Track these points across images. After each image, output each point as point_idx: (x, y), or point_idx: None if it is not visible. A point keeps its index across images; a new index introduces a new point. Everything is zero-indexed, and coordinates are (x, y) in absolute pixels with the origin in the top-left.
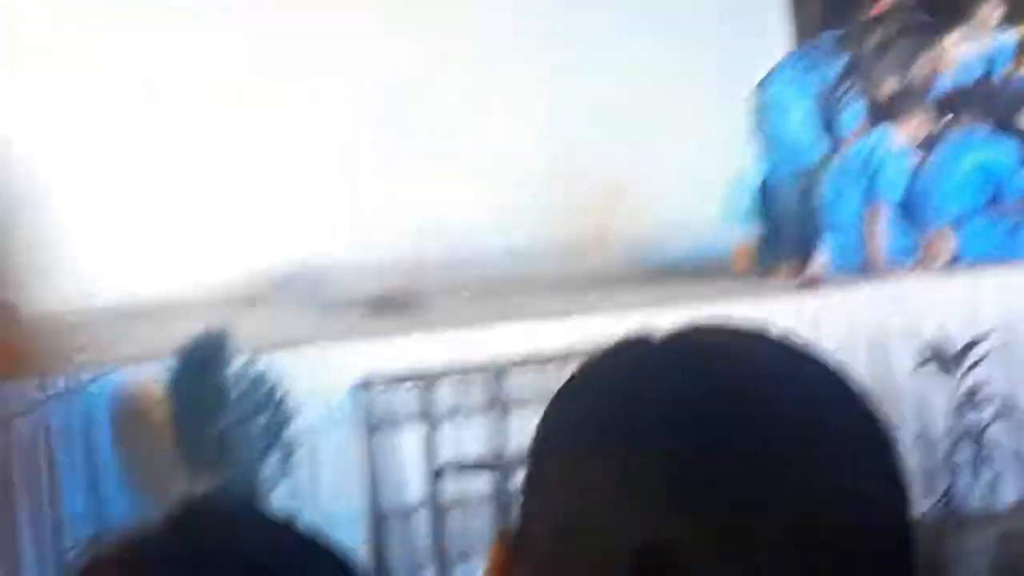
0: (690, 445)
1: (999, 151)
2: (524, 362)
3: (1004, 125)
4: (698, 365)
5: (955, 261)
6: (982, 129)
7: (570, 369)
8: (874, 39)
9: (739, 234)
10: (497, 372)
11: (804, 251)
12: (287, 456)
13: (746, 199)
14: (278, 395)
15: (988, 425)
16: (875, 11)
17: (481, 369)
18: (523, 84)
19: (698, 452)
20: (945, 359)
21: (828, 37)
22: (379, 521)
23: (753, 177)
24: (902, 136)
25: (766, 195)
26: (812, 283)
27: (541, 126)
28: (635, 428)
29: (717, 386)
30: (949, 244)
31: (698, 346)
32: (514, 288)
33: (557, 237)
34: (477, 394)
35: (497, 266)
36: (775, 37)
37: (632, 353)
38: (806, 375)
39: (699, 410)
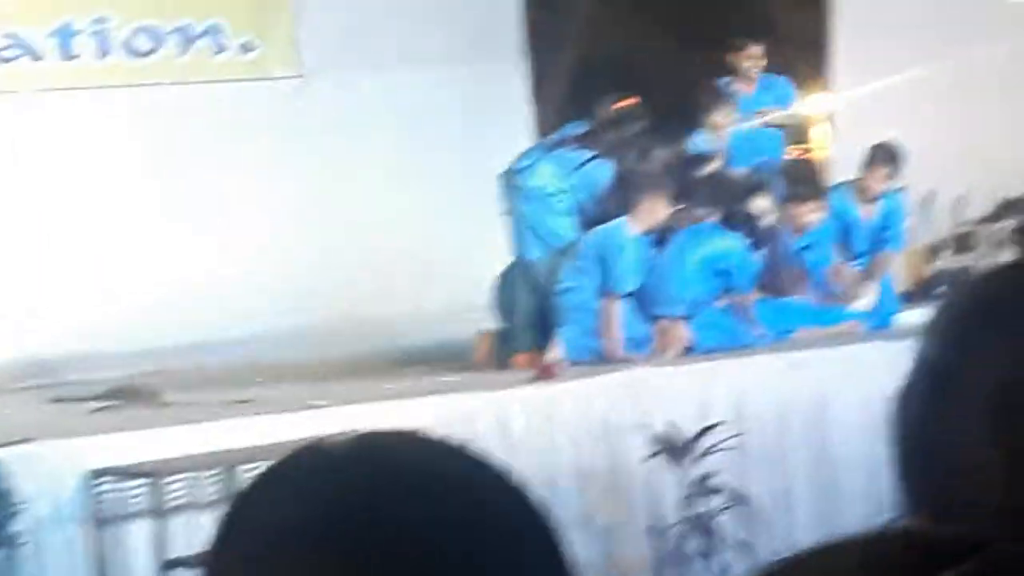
0: (346, 554)
1: (729, 241)
2: (258, 455)
3: (734, 216)
4: (365, 474)
5: (688, 351)
6: (713, 220)
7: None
8: (614, 134)
9: (483, 323)
10: (230, 466)
11: (541, 340)
12: (11, 553)
13: (493, 288)
14: (2, 490)
15: (717, 514)
16: (615, 107)
17: (215, 463)
18: (276, 174)
19: (349, 560)
20: (676, 449)
21: (571, 130)
22: None
23: (498, 266)
24: (637, 226)
25: (506, 284)
26: (548, 373)
27: (288, 214)
28: (300, 535)
29: (383, 496)
30: (682, 334)
31: (368, 456)
32: (255, 377)
33: (301, 325)
34: (209, 488)
35: (238, 355)
36: (519, 130)
37: (307, 461)
38: (469, 479)
39: (360, 518)
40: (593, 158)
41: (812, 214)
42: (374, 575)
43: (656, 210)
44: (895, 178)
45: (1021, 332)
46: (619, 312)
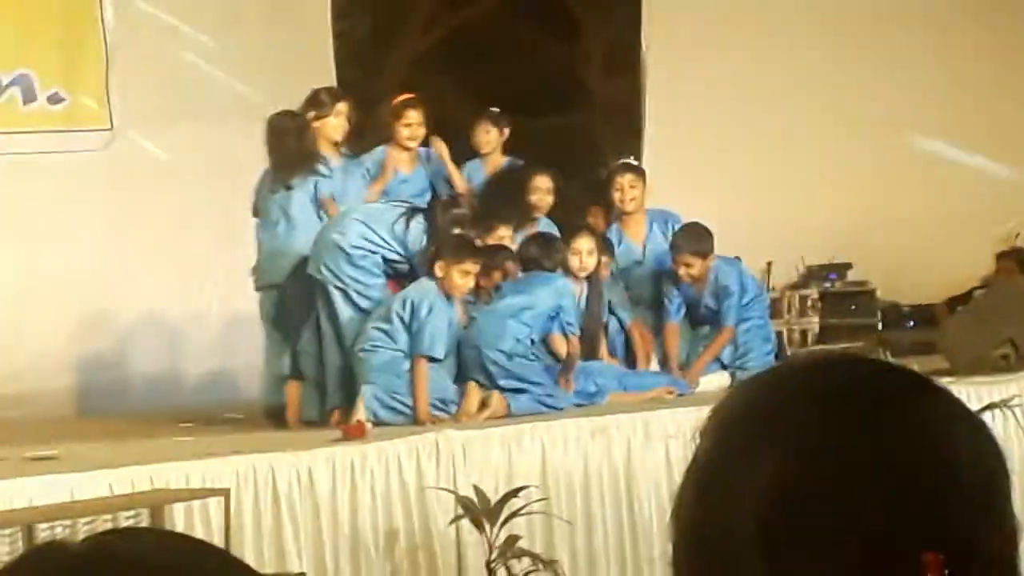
0: None
1: (551, 289)
2: (56, 516)
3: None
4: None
5: (505, 415)
6: (524, 280)
7: (102, 525)
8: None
9: (286, 382)
10: (27, 527)
11: (349, 399)
12: None
13: (301, 345)
14: None
15: None
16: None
17: (6, 524)
18: (80, 226)
19: None
20: (482, 512)
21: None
22: None
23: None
24: (446, 288)
25: (313, 341)
26: (355, 432)
27: (93, 268)
28: None
29: None
30: (495, 400)
31: (111, 558)
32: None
33: (100, 381)
34: (3, 550)
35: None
36: None
37: (44, 560)
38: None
39: None
40: (406, 214)
41: (606, 268)
42: None
43: (467, 270)
44: (707, 258)
45: (784, 438)
46: (426, 375)
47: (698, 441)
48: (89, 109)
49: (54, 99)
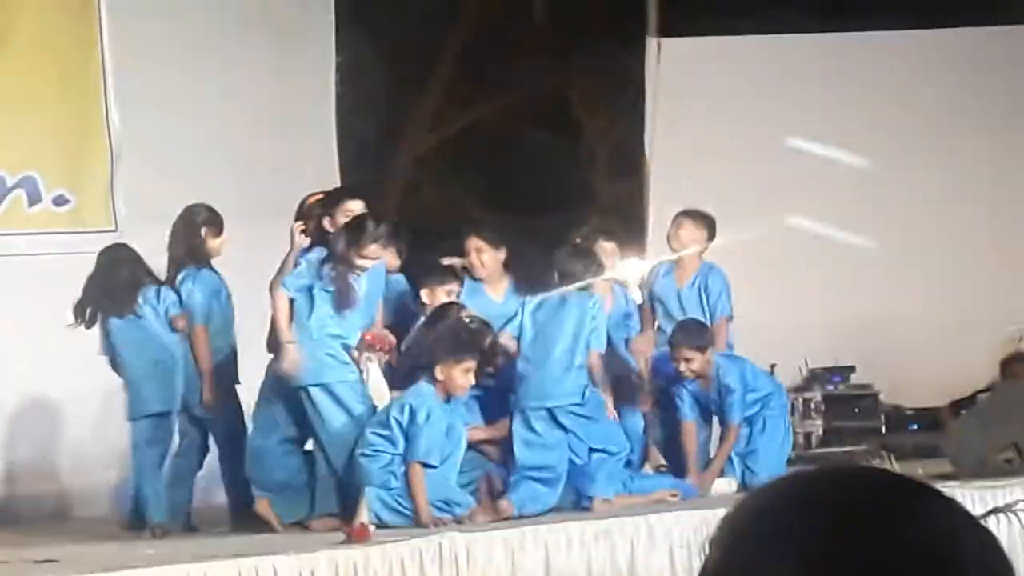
0: None
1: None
2: None
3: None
4: None
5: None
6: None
7: None
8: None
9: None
10: None
11: (344, 503)
12: None
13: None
14: None
15: None
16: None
17: None
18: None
19: None
20: None
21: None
22: None
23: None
24: (448, 390)
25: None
26: (359, 535)
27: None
28: None
29: None
30: (502, 503)
31: None
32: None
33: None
34: None
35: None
36: None
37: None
38: None
39: None
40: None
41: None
42: None
43: (468, 367)
44: (705, 352)
45: (793, 549)
46: (422, 479)
47: (707, 551)
48: (94, 211)
49: (59, 200)
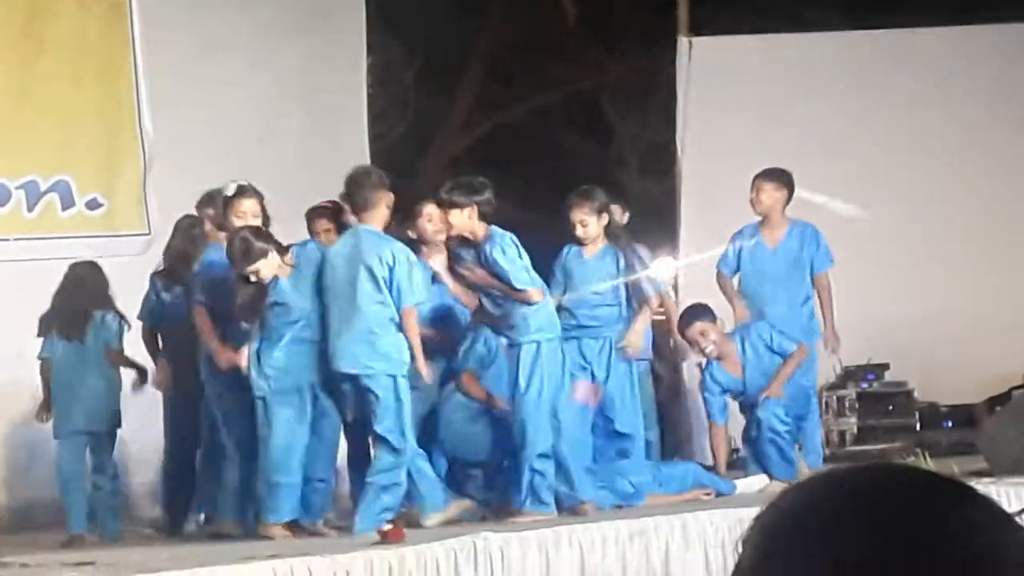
0: None
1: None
2: None
3: None
4: None
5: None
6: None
7: None
8: None
9: None
10: None
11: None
12: None
13: None
14: None
15: None
16: None
17: None
18: None
19: None
20: None
21: None
22: None
23: None
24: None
25: None
26: (394, 536)
27: None
28: None
29: None
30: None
31: None
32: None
33: None
34: None
35: None
36: None
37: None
38: None
39: None
40: None
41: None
42: None
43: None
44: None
45: (828, 548)
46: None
47: (741, 550)
48: (127, 214)
49: (92, 204)
